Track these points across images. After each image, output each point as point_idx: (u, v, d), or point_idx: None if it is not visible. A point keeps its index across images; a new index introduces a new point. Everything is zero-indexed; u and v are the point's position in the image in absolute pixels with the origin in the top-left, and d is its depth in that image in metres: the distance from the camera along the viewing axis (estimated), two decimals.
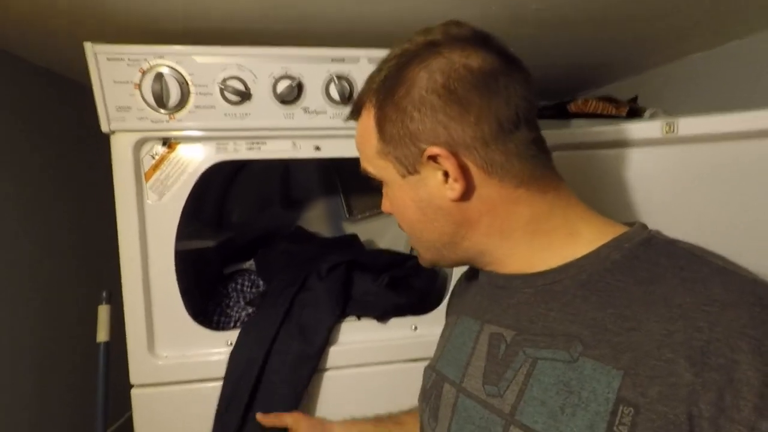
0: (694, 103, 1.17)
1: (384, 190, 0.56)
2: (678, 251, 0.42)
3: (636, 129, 0.70)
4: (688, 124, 0.63)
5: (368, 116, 0.51)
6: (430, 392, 0.55)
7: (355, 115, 0.54)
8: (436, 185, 0.48)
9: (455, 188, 0.47)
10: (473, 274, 0.64)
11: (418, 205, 0.50)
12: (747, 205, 0.60)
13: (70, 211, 1.24)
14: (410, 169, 0.49)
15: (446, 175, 0.47)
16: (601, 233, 0.46)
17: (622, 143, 0.71)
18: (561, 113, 1.16)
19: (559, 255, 0.46)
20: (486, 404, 0.46)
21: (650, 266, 0.41)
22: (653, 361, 0.35)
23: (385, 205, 0.57)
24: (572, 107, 1.16)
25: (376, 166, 0.52)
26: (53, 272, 1.17)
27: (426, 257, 0.56)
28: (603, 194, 0.77)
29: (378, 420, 0.80)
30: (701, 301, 0.35)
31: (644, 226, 0.46)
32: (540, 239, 0.48)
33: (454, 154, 0.46)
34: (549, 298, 0.45)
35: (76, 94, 1.22)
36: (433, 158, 0.47)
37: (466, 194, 0.47)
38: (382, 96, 0.49)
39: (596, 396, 0.37)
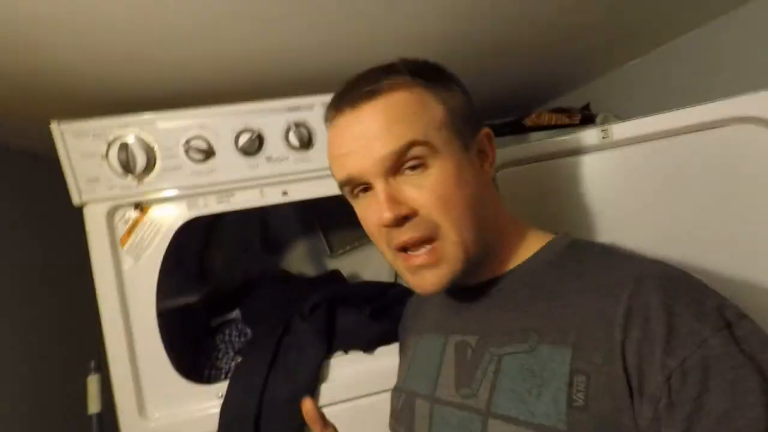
0: (643, 104, 1.24)
1: (410, 181, 0.49)
2: (596, 248, 0.51)
3: (576, 138, 0.75)
4: (621, 129, 0.68)
5: (409, 90, 0.49)
6: (402, 412, 0.57)
7: (372, 95, 0.49)
8: (479, 164, 0.53)
9: (489, 171, 0.54)
10: (420, 299, 0.69)
11: (475, 181, 0.51)
12: (683, 199, 0.64)
13: (51, 284, 1.24)
14: (464, 146, 0.51)
15: (479, 156, 0.52)
16: (536, 240, 0.54)
17: (567, 152, 0.76)
18: (518, 129, 1.22)
19: (507, 262, 0.54)
20: (462, 406, 0.49)
21: (577, 263, 0.49)
22: (594, 333, 0.42)
23: (399, 207, 0.48)
24: (528, 122, 1.22)
25: (436, 137, 0.48)
26: (39, 346, 1.16)
27: (469, 250, 0.50)
28: (550, 202, 0.81)
29: None
30: (620, 282, 0.43)
31: (566, 233, 0.54)
32: (510, 240, 0.54)
33: None
34: (502, 301, 0.52)
35: (43, 170, 1.24)
36: (487, 137, 0.54)
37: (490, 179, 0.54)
38: (426, 73, 0.51)
39: (555, 374, 0.42)
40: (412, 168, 0.49)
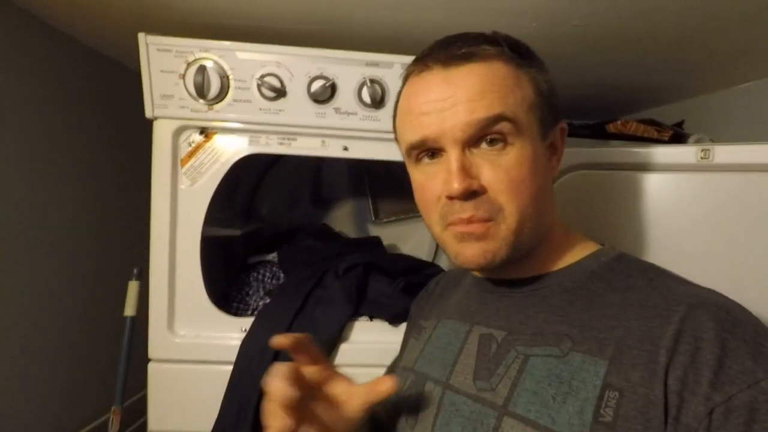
0: (743, 133, 1.12)
1: (485, 157, 0.46)
2: (646, 266, 0.49)
3: (670, 153, 0.68)
4: (724, 152, 0.61)
5: (505, 63, 0.47)
6: (408, 392, 0.55)
7: (469, 57, 0.46)
8: (548, 157, 0.50)
9: (554, 168, 0.52)
10: (452, 281, 0.66)
11: (543, 172, 0.49)
12: None
13: (111, 190, 1.32)
14: (543, 134, 0.49)
15: (549, 149, 0.50)
16: (582, 248, 0.52)
17: (656, 167, 0.69)
18: (598, 133, 1.13)
19: (550, 263, 0.51)
20: (477, 398, 0.47)
21: (624, 277, 0.47)
22: (635, 352, 0.40)
23: (470, 180, 0.46)
24: (611, 128, 1.13)
25: (523, 117, 0.46)
26: (91, 246, 1.24)
27: (520, 240, 0.48)
28: (616, 214, 0.75)
29: None
30: (671, 304, 0.41)
31: (613, 247, 0.52)
32: (556, 242, 0.52)
33: None
34: (537, 301, 0.50)
35: (120, 78, 1.30)
36: (561, 132, 0.52)
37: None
38: (522, 51, 0.49)
39: (585, 384, 0.41)
40: (491, 143, 0.46)
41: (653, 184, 0.69)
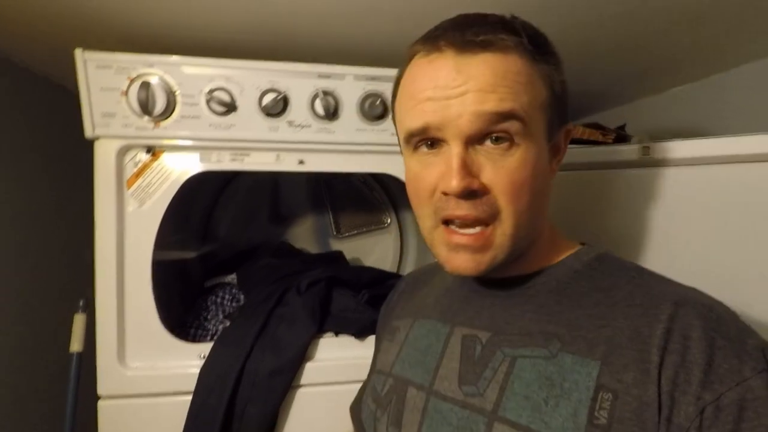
0: (680, 132, 1.19)
1: (489, 155, 0.44)
2: (627, 265, 0.49)
3: (613, 151, 0.71)
4: (662, 149, 0.64)
5: (522, 57, 0.44)
6: (388, 398, 0.53)
7: (486, 46, 0.44)
8: (548, 160, 0.48)
9: (554, 170, 0.50)
10: (425, 278, 0.64)
11: (544, 175, 0.47)
12: (718, 226, 0.60)
13: (51, 215, 1.24)
14: (549, 136, 0.47)
15: (551, 151, 0.48)
16: (565, 247, 0.52)
17: (602, 165, 0.72)
18: None
19: (536, 263, 0.50)
20: (465, 404, 0.45)
21: (607, 276, 0.47)
22: (626, 351, 0.39)
23: (471, 179, 0.43)
24: (570, 124, 1.18)
25: (533, 117, 0.44)
26: (31, 278, 1.15)
27: (516, 244, 0.46)
28: (584, 212, 0.77)
29: None
30: (657, 303, 0.41)
31: (592, 246, 0.52)
32: (543, 242, 0.51)
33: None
34: (523, 301, 0.48)
35: (59, 98, 1.23)
36: (566, 134, 0.50)
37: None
38: (541, 44, 0.46)
39: (578, 385, 0.40)
40: (497, 141, 0.43)
41: (601, 181, 0.72)
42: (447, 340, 0.51)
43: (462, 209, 0.44)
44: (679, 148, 0.63)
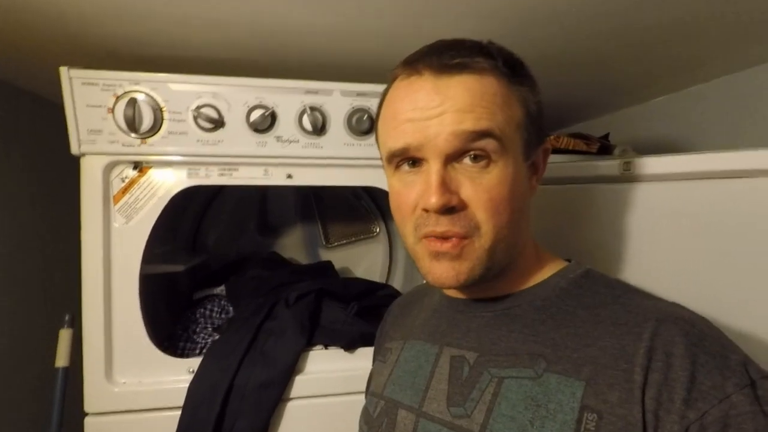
0: (662, 142, 1.22)
1: (467, 173, 0.46)
2: (612, 282, 0.49)
3: (595, 166, 0.73)
4: (644, 164, 0.66)
5: (498, 79, 0.46)
6: (380, 420, 0.54)
7: (462, 69, 0.45)
8: (527, 178, 0.50)
9: (534, 188, 0.52)
10: (414, 300, 0.66)
11: (523, 193, 0.48)
12: (698, 241, 0.61)
13: (37, 229, 1.22)
14: (526, 155, 0.48)
15: (530, 169, 0.50)
16: (551, 266, 0.52)
17: (584, 179, 0.74)
18: None
19: (521, 281, 0.51)
20: (453, 426, 0.46)
21: (592, 294, 0.47)
22: (611, 371, 0.40)
23: (449, 196, 0.45)
24: (548, 143, 1.20)
25: (510, 137, 0.45)
26: (17, 293, 1.14)
27: (494, 259, 0.47)
28: (566, 227, 0.79)
29: None
30: (640, 321, 0.42)
31: (579, 262, 0.52)
32: (527, 260, 0.52)
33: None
34: (509, 321, 0.49)
35: (45, 112, 1.22)
36: (545, 153, 0.52)
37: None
38: (516, 67, 0.48)
39: (562, 406, 0.40)
40: (475, 159, 0.45)
41: (583, 196, 0.74)
42: (436, 361, 0.52)
43: (441, 225, 0.45)
44: (659, 164, 0.64)
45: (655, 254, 0.65)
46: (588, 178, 0.73)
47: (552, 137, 1.20)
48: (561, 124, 1.53)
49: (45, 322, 1.09)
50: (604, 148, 1.20)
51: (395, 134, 0.47)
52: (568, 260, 0.54)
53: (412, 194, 0.47)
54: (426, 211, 0.46)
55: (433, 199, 0.44)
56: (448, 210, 0.45)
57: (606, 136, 1.30)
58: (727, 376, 0.37)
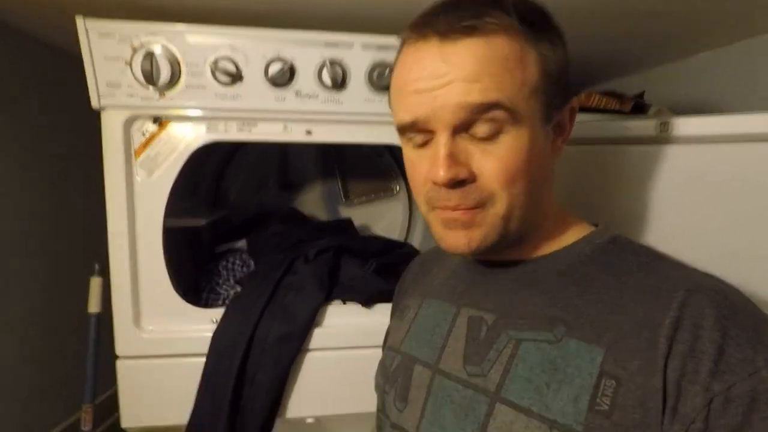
0: (703, 102, 1.14)
1: (477, 144, 0.44)
2: (641, 249, 0.47)
3: (629, 126, 0.69)
4: (683, 124, 0.62)
5: (511, 38, 0.43)
6: (396, 374, 0.55)
7: (470, 31, 0.42)
8: (552, 139, 0.47)
9: (559, 149, 0.48)
10: (435, 258, 0.65)
11: (543, 157, 0.46)
12: (739, 209, 0.58)
13: (65, 183, 1.25)
14: (546, 117, 0.45)
15: (555, 130, 0.47)
16: (576, 230, 0.50)
17: (617, 140, 0.70)
18: None
19: (543, 246, 0.50)
20: (468, 384, 0.46)
21: (619, 261, 0.46)
22: (633, 339, 0.39)
23: (457, 168, 0.43)
24: (575, 101, 1.14)
25: (522, 104, 0.43)
26: (48, 243, 1.19)
27: (509, 226, 0.46)
28: (596, 189, 0.76)
29: None
30: (668, 288, 0.40)
31: (607, 227, 0.50)
32: (551, 224, 0.51)
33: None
34: (529, 284, 0.48)
35: (71, 66, 1.22)
36: (571, 112, 0.49)
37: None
38: (534, 20, 0.44)
39: (580, 371, 0.40)
40: (485, 129, 0.43)
41: (615, 157, 0.70)
42: (453, 320, 0.52)
43: (454, 199, 0.44)
44: (702, 124, 0.60)
45: (691, 221, 0.62)
46: (621, 139, 0.69)
47: (582, 95, 1.14)
48: (592, 81, 1.45)
49: (76, 270, 1.14)
50: (639, 108, 1.13)
51: (404, 107, 0.46)
52: (596, 224, 0.52)
53: (422, 166, 0.46)
54: (436, 183, 0.45)
55: (441, 172, 0.43)
56: (458, 183, 0.44)
57: (641, 95, 1.23)
58: (759, 350, 0.35)
